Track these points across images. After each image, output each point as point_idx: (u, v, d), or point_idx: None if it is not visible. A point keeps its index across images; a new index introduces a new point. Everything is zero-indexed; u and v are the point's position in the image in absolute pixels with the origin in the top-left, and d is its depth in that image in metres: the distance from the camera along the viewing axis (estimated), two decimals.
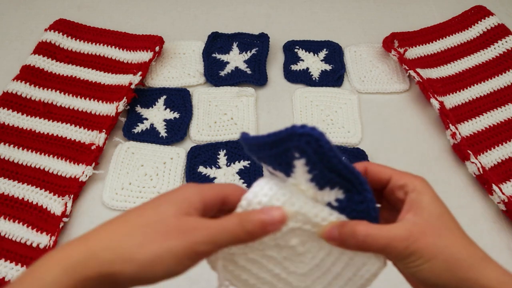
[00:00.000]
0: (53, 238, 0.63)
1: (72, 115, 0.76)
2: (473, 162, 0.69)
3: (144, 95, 0.81)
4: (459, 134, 0.72)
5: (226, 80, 0.83)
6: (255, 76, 0.83)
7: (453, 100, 0.79)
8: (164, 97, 0.80)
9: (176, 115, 0.78)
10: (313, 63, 0.87)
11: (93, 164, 0.70)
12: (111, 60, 0.84)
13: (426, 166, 0.73)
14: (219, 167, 0.72)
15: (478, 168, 0.68)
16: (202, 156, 0.73)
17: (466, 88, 0.81)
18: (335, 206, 0.34)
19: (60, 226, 0.65)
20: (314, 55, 0.88)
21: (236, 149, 0.74)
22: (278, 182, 0.34)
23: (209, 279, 0.51)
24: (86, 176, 0.69)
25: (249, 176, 0.71)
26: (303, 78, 0.85)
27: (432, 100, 0.76)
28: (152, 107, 0.79)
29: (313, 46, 0.89)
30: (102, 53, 0.85)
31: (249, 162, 0.72)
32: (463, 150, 0.71)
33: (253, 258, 0.36)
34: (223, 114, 0.79)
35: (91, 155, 0.71)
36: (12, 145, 0.72)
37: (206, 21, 0.94)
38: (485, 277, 0.32)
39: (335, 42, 0.90)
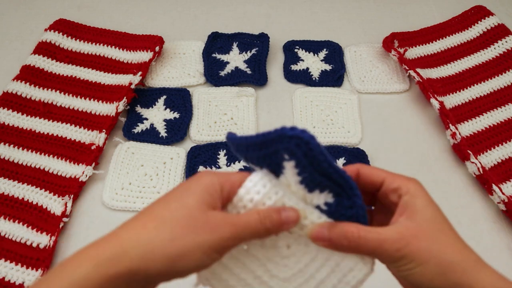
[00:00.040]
0: (53, 238, 0.63)
1: (72, 115, 0.76)
2: (473, 162, 0.69)
3: (144, 95, 0.81)
4: (459, 134, 0.72)
5: (226, 80, 0.83)
6: (255, 76, 0.83)
7: (453, 100, 0.79)
8: (164, 97, 0.80)
9: (176, 115, 0.78)
10: (313, 63, 0.87)
11: (93, 164, 0.70)
12: (111, 60, 0.84)
13: (426, 166, 0.73)
14: (219, 167, 0.72)
15: (478, 168, 0.68)
16: (202, 156, 0.73)
17: (466, 88, 0.81)
18: (324, 209, 0.34)
19: (60, 226, 0.65)
20: (314, 55, 0.88)
21: None
22: (272, 179, 0.34)
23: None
24: (86, 176, 0.69)
25: None
26: (303, 78, 0.85)
27: (432, 100, 0.76)
28: (152, 107, 0.79)
29: (313, 46, 0.89)
30: (102, 53, 0.85)
31: None
32: (463, 150, 0.71)
33: (236, 256, 0.36)
34: (223, 114, 0.79)
35: (91, 155, 0.71)
36: (12, 145, 0.72)
37: (206, 21, 0.94)
38: (479, 282, 0.31)
39: (335, 42, 0.90)
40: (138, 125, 0.77)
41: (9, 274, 0.61)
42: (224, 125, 0.78)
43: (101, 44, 0.86)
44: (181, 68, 0.85)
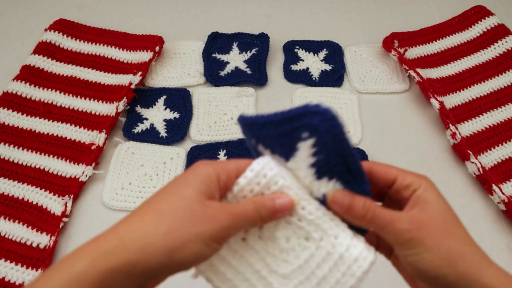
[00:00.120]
0: (53, 238, 0.63)
1: (72, 115, 0.76)
2: (473, 162, 0.69)
3: (144, 95, 0.81)
4: (459, 134, 0.72)
5: (226, 80, 0.83)
6: (255, 76, 0.83)
7: (453, 100, 0.79)
8: (164, 97, 0.80)
9: (176, 115, 0.78)
10: (313, 63, 0.87)
11: (93, 164, 0.70)
12: (111, 60, 0.84)
13: (426, 166, 0.73)
14: None
15: (478, 168, 0.68)
16: (202, 156, 0.73)
17: (466, 88, 0.81)
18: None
19: (60, 226, 0.65)
20: (314, 55, 0.88)
21: (236, 149, 0.74)
22: (278, 164, 0.34)
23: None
24: (86, 176, 0.69)
25: None
26: (303, 78, 0.85)
27: (432, 100, 0.76)
28: (152, 107, 0.79)
29: (313, 46, 0.89)
30: (102, 53, 0.85)
31: None
32: (463, 150, 0.71)
33: (235, 248, 0.35)
34: (223, 114, 0.79)
35: (91, 155, 0.71)
36: (12, 145, 0.72)
37: (206, 21, 0.94)
38: (486, 276, 0.32)
39: (335, 42, 0.90)
40: (138, 125, 0.77)
41: (9, 274, 0.61)
42: (224, 125, 0.78)
43: (101, 44, 0.86)
44: (181, 68, 0.85)
